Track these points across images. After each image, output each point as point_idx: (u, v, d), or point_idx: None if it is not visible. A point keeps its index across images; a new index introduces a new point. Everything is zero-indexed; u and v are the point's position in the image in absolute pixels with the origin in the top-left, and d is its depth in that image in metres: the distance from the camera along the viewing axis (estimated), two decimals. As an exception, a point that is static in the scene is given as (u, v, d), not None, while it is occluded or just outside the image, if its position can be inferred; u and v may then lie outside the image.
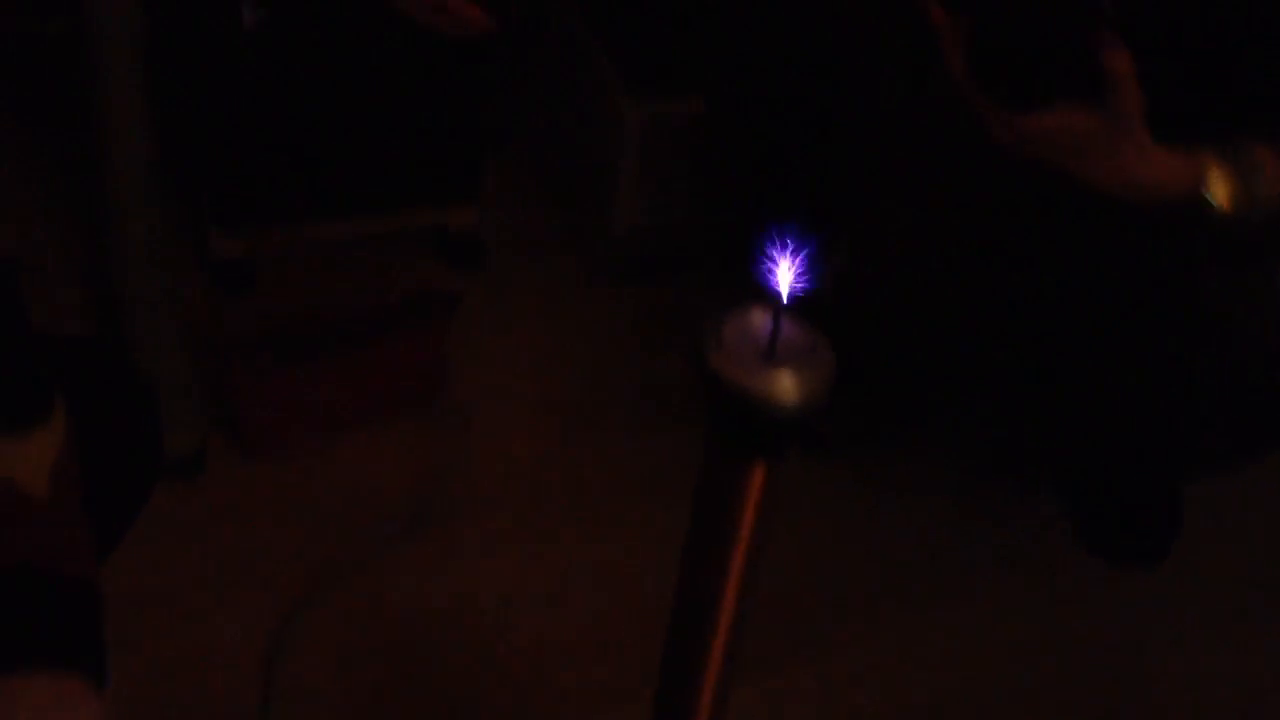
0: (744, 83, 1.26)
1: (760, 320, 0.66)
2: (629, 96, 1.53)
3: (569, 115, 1.69)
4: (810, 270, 0.63)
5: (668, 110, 1.54)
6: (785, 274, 0.64)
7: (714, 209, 1.54)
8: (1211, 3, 1.00)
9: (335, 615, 1.23)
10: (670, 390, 1.49)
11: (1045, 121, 0.93)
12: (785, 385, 0.64)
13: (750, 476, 0.68)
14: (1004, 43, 0.94)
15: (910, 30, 1.02)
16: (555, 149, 1.74)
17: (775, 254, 0.64)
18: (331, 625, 1.22)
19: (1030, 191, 1.09)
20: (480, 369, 1.48)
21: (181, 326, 1.39)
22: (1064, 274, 1.17)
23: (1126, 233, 1.06)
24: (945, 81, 0.97)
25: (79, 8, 1.29)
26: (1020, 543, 1.40)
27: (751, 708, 1.22)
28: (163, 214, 1.42)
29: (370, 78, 1.46)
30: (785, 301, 0.64)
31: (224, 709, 1.15)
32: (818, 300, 0.64)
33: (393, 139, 1.51)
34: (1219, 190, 0.94)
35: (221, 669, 1.18)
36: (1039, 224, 1.16)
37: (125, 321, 1.39)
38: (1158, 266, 1.08)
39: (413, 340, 1.39)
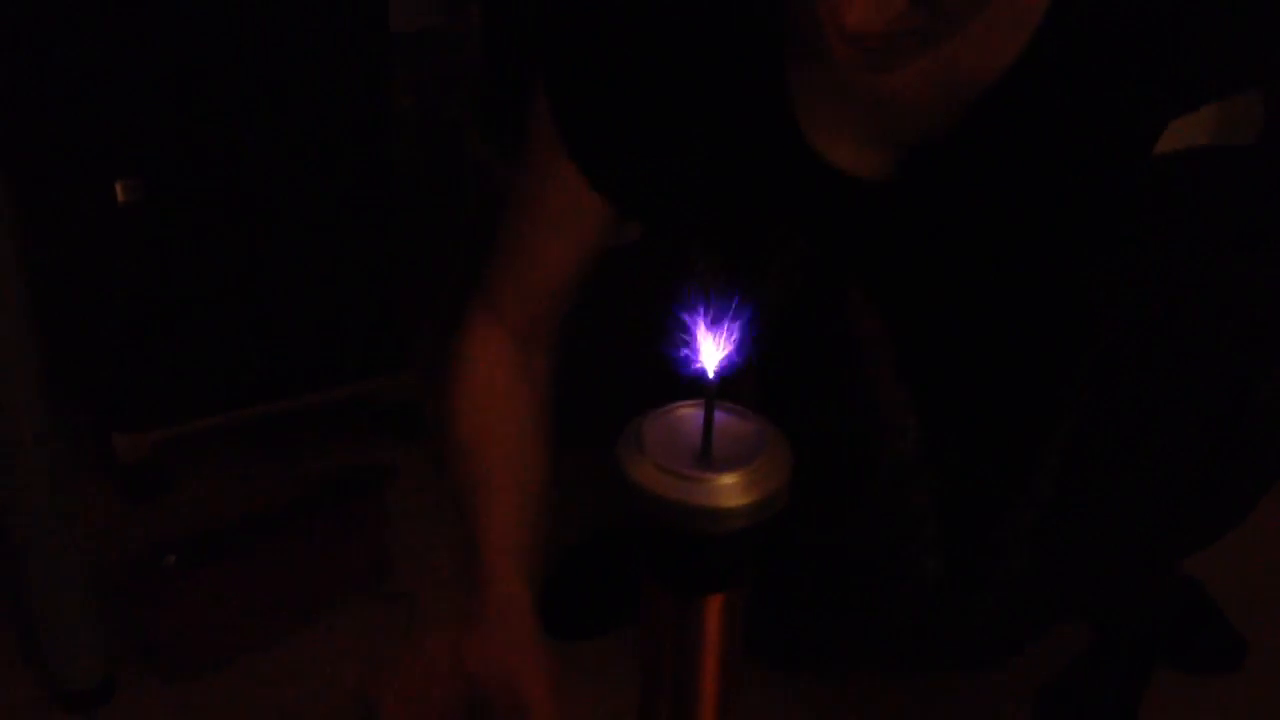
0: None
1: (689, 416, 0.53)
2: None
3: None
4: (740, 337, 0.50)
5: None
6: (709, 348, 0.50)
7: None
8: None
9: None
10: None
11: None
12: (729, 488, 0.50)
13: (704, 616, 0.53)
14: None
15: None
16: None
17: (691, 327, 0.50)
18: None
19: None
20: (427, 550, 1.32)
21: (78, 545, 1.23)
22: None
23: None
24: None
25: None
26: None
27: None
28: (54, 421, 1.28)
29: (267, 250, 1.35)
30: (714, 381, 0.50)
31: None
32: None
33: (300, 313, 1.39)
34: None
35: None
36: None
37: (16, 545, 1.23)
38: None
39: (341, 523, 1.24)
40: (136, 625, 1.17)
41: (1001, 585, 1.02)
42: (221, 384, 1.39)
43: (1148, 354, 0.92)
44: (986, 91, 0.84)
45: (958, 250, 0.93)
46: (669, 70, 0.87)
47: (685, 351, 0.50)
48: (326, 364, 1.43)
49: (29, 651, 1.17)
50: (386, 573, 1.28)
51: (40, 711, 1.14)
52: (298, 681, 1.18)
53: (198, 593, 1.15)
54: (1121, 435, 0.96)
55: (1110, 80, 0.83)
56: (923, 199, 0.91)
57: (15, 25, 1.23)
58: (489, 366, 0.93)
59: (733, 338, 0.50)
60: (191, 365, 1.36)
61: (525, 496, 0.88)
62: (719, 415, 0.51)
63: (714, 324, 0.50)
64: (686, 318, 0.50)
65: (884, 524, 1.01)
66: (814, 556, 1.04)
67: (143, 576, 1.14)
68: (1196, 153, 0.84)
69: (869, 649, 1.20)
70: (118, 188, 1.21)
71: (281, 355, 1.41)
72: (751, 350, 0.94)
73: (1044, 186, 0.88)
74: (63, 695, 1.14)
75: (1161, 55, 0.81)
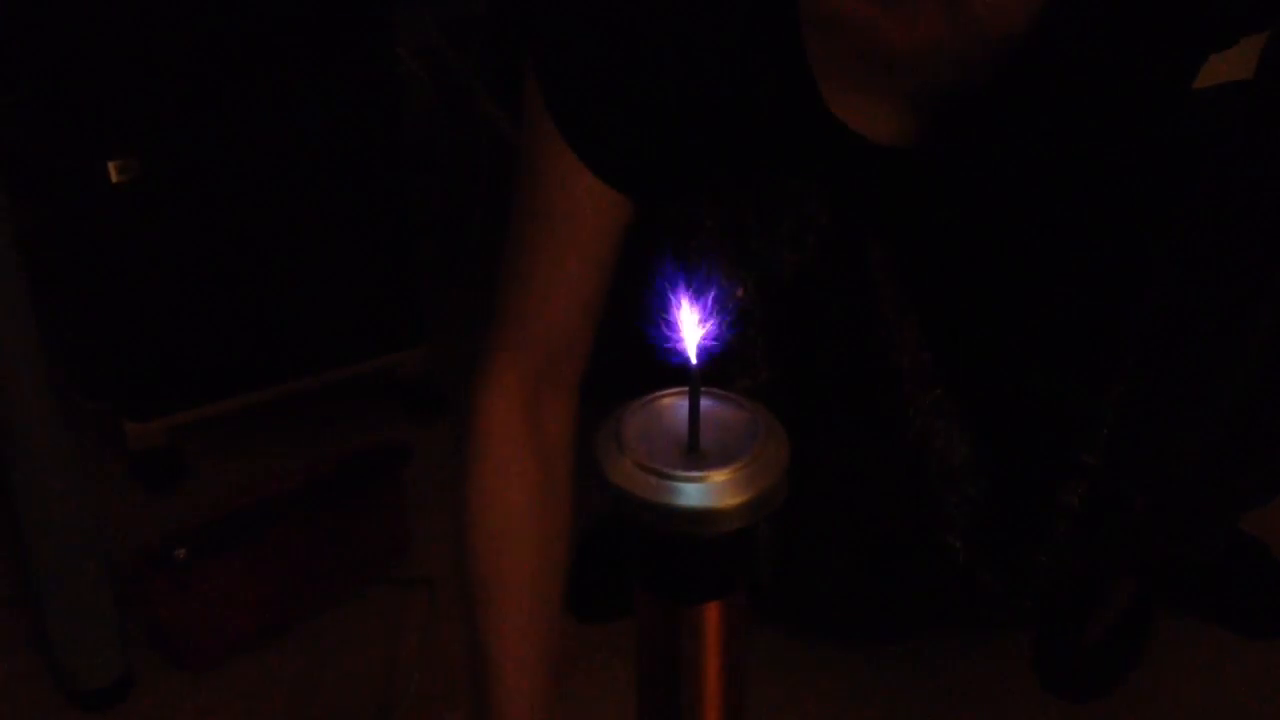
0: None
1: (673, 405, 0.47)
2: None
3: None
4: (721, 314, 0.44)
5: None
6: (691, 328, 0.44)
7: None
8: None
9: None
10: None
11: None
12: (720, 486, 0.44)
13: (701, 626, 0.48)
14: None
15: None
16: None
17: (671, 307, 0.44)
18: None
19: None
20: (444, 531, 1.27)
21: (92, 538, 1.20)
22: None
23: None
24: None
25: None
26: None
27: None
28: (64, 411, 1.25)
29: (273, 227, 1.30)
30: (698, 365, 0.44)
31: None
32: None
33: (312, 290, 1.34)
34: None
35: None
36: None
37: (29, 541, 1.20)
38: None
39: (358, 506, 1.20)
40: (151, 619, 1.14)
41: (1041, 563, 0.97)
42: (233, 366, 1.35)
43: (1198, 309, 0.86)
44: (1010, 47, 0.78)
45: (985, 212, 0.87)
46: (670, 36, 0.80)
47: (665, 331, 0.44)
48: (341, 341, 1.39)
49: (45, 650, 1.14)
50: (405, 556, 1.24)
51: (58, 710, 1.12)
52: (317, 670, 1.15)
53: (210, 584, 1.11)
54: (1174, 396, 0.90)
55: (1139, 23, 0.77)
56: (949, 161, 0.85)
57: (9, 4, 1.18)
58: (505, 481, 0.85)
59: (718, 316, 0.44)
60: (201, 348, 1.33)
61: (542, 668, 0.84)
62: (706, 403, 0.45)
63: (697, 299, 0.44)
64: (666, 293, 0.44)
65: (908, 498, 0.96)
66: (840, 529, 0.99)
67: (154, 570, 1.11)
68: (1234, 90, 0.78)
69: (900, 618, 1.15)
70: (111, 168, 1.16)
71: (294, 334, 1.36)
72: (763, 316, 0.88)
73: (1077, 139, 0.82)
74: (80, 694, 1.12)
75: None
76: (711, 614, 0.47)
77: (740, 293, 0.86)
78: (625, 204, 0.83)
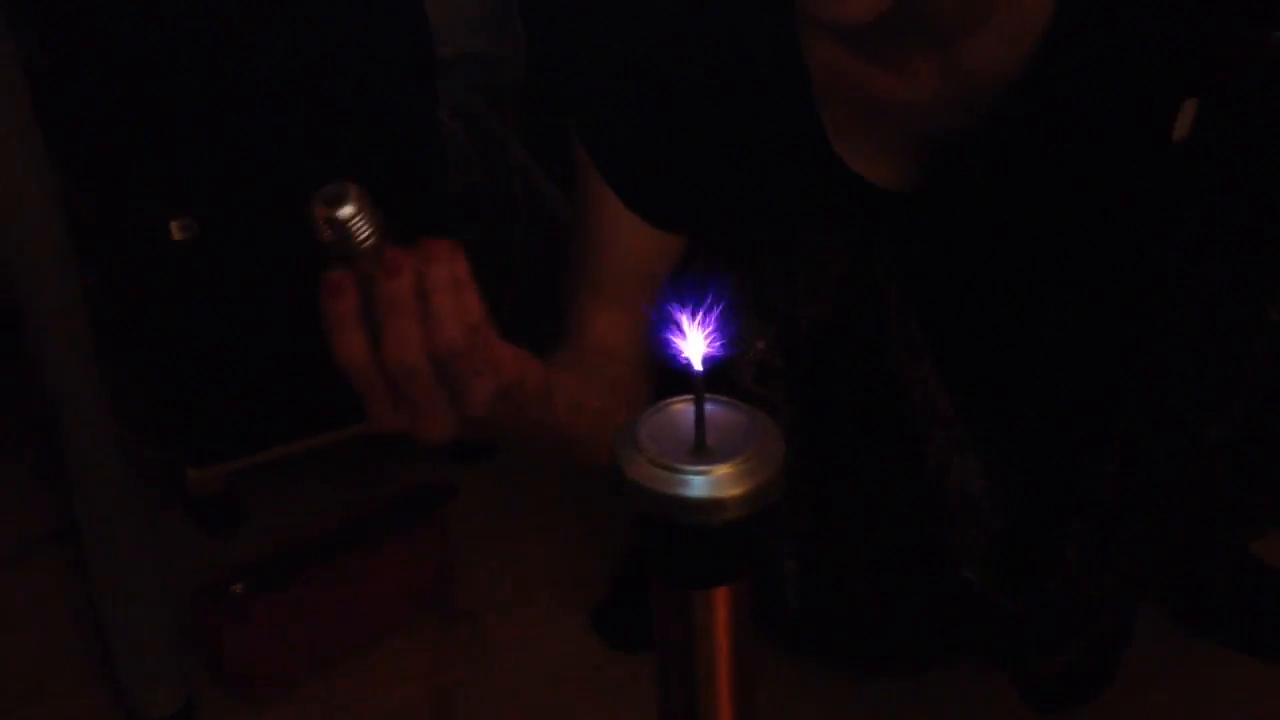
0: None
1: (682, 411, 0.52)
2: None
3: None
4: (724, 326, 0.50)
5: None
6: (695, 338, 0.50)
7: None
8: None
9: None
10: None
11: None
12: (724, 478, 0.49)
13: (712, 609, 0.53)
14: None
15: None
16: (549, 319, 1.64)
17: (677, 317, 0.50)
18: None
19: None
20: (488, 568, 1.33)
21: (156, 576, 1.27)
22: None
23: None
24: None
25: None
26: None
27: None
28: (127, 460, 1.32)
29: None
30: (702, 371, 0.50)
31: None
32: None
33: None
34: None
35: None
36: None
37: (95, 578, 1.27)
38: None
39: (405, 543, 1.26)
40: (212, 651, 1.20)
41: (1054, 590, 1.00)
42: (289, 414, 1.42)
43: (1206, 344, 0.89)
44: (1003, 95, 0.83)
45: (990, 253, 0.92)
46: (692, 97, 0.87)
47: (673, 343, 0.50)
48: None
49: (113, 684, 1.20)
50: (449, 591, 1.29)
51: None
52: (368, 699, 1.20)
53: (266, 616, 1.17)
54: (1182, 429, 0.94)
55: (1123, 69, 0.82)
56: (951, 205, 0.90)
57: (73, 64, 1.27)
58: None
59: (719, 329, 0.50)
60: (258, 398, 1.39)
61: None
62: (711, 408, 0.51)
63: (701, 315, 0.50)
64: (674, 309, 0.50)
65: (927, 531, 1.00)
66: (862, 562, 1.03)
67: (213, 604, 1.17)
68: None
69: (919, 644, 1.18)
70: (173, 226, 1.24)
71: (346, 383, 1.43)
72: (784, 365, 0.93)
73: (1068, 180, 0.86)
74: (144, 723, 1.18)
75: (1173, 37, 0.80)
76: (720, 598, 0.52)
77: (761, 345, 0.92)
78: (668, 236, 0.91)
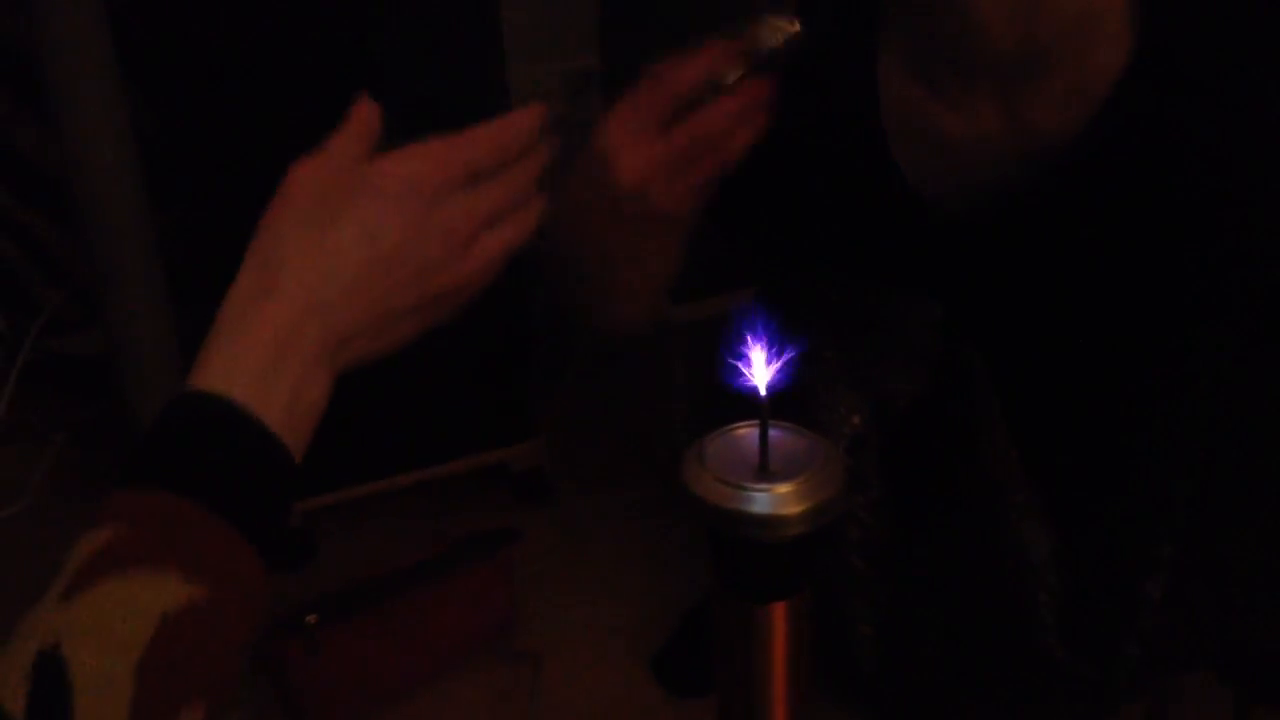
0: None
1: (747, 434, 0.56)
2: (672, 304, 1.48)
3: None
4: (789, 355, 0.54)
5: (715, 312, 1.47)
6: (760, 366, 0.54)
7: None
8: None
9: None
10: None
11: None
12: (785, 496, 0.53)
13: (772, 621, 0.56)
14: None
15: None
16: (613, 370, 1.68)
17: (745, 346, 0.54)
18: None
19: None
20: (550, 612, 1.37)
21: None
22: None
23: None
24: None
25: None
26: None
27: None
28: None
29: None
30: (766, 398, 0.54)
31: None
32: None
33: (431, 389, 1.46)
34: None
35: None
36: None
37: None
38: None
39: (471, 584, 1.30)
40: (283, 681, 1.24)
41: (1129, 655, 1.00)
42: (362, 457, 1.47)
43: (1243, 410, 0.90)
44: (1066, 145, 0.86)
45: (1051, 312, 0.94)
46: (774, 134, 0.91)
47: (740, 369, 0.54)
48: (459, 436, 1.51)
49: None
50: (511, 632, 1.33)
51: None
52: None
53: (337, 648, 1.22)
54: (1249, 489, 0.95)
55: (1184, 143, 0.84)
56: (1013, 242, 0.92)
57: (167, 124, 1.35)
58: None
59: (783, 358, 0.54)
60: (334, 441, 1.44)
61: None
62: (775, 433, 0.55)
63: (768, 344, 0.54)
64: (743, 337, 0.54)
65: (1004, 599, 1.00)
66: (939, 629, 1.04)
67: (287, 635, 1.21)
68: None
69: (993, 712, 1.19)
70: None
71: (417, 429, 1.48)
72: (877, 439, 0.95)
73: (1117, 248, 0.89)
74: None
75: (1241, 122, 0.82)
76: (779, 612, 0.56)
77: (857, 420, 0.94)
78: None
